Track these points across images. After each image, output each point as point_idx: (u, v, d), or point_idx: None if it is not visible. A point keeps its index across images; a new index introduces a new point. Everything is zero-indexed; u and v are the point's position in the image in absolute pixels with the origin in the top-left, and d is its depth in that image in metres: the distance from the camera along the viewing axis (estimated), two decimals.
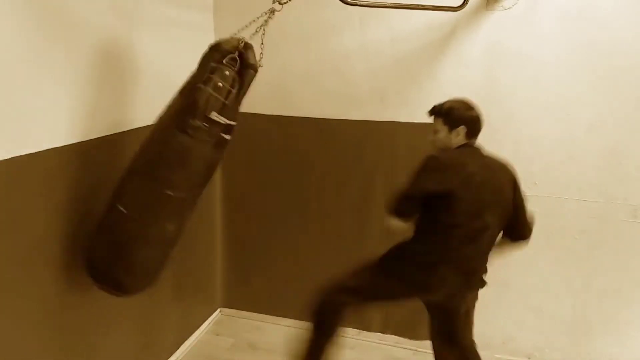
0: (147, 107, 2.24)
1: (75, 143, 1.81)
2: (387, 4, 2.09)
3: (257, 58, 1.74)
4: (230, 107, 1.69)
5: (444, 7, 2.31)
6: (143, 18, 2.16)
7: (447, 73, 2.48)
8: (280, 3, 1.71)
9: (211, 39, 2.80)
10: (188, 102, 1.66)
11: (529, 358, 2.69)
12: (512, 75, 2.41)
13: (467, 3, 2.28)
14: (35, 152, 1.63)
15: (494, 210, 1.87)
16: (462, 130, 1.88)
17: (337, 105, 2.67)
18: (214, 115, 1.65)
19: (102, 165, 1.96)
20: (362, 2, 1.99)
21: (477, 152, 1.94)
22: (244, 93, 1.74)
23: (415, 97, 2.55)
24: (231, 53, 1.69)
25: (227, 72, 1.67)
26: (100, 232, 1.74)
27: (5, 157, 1.52)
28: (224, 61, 1.67)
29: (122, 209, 1.68)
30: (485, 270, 1.99)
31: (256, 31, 1.73)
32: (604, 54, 2.28)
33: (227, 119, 1.69)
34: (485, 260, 1.97)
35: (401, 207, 1.85)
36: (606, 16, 2.25)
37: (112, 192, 1.74)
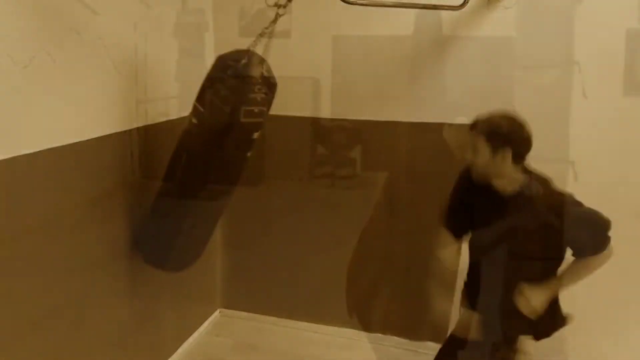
0: (144, 107, 2.24)
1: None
2: (388, 3, 2.07)
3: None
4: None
5: (444, 6, 2.29)
6: (143, 18, 2.15)
7: (447, 72, 2.47)
8: (277, 5, 1.77)
9: (211, 39, 2.83)
10: None
11: None
12: (513, 74, 2.39)
13: (467, 2, 2.27)
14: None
15: None
16: (508, 153, 1.70)
17: (337, 104, 2.66)
18: None
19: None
20: (362, 1, 1.98)
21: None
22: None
23: (415, 96, 2.54)
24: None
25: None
26: None
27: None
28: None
29: None
30: None
31: (260, 35, 1.83)
32: (605, 53, 2.27)
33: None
34: None
35: None
36: (607, 15, 2.24)
37: None
